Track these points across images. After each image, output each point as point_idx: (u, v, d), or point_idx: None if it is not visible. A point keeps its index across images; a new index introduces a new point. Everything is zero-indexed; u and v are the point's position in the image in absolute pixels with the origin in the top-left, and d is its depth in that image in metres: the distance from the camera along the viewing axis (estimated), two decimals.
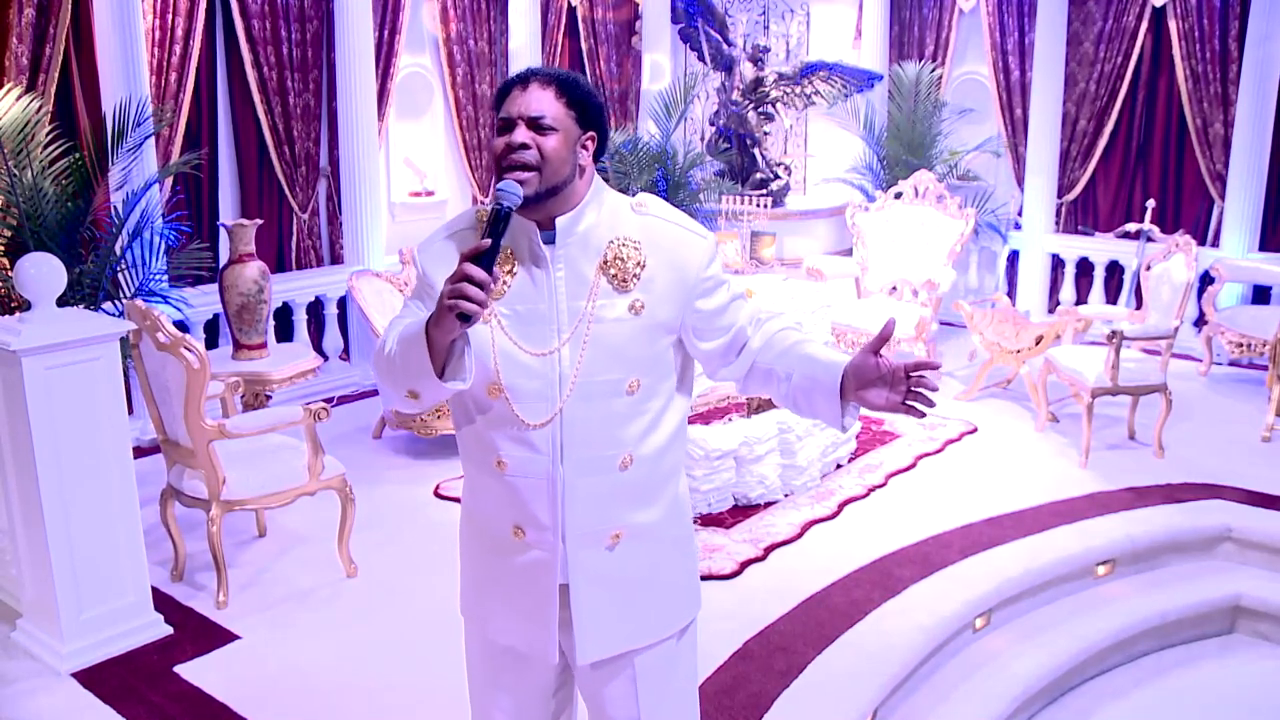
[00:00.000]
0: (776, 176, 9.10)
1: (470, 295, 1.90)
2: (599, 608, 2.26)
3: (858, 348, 7.11)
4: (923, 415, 2.05)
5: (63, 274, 3.85)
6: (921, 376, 2.01)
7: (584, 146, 2.14)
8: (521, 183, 2.05)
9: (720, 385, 5.22)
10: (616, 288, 2.15)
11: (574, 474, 2.17)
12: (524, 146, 2.07)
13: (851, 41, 9.62)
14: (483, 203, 1.93)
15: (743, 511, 5.17)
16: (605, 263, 2.15)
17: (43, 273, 3.81)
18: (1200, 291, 7.64)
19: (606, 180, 2.19)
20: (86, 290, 5.12)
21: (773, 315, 2.30)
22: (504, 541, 2.28)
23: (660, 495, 2.29)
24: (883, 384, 2.05)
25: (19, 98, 5.16)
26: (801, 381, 2.16)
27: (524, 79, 2.13)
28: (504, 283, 2.15)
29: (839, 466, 5.76)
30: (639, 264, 2.17)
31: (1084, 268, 8.63)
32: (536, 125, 2.08)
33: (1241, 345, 7.20)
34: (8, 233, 5.05)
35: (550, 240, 2.14)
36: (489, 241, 1.96)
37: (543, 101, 2.09)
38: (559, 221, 2.14)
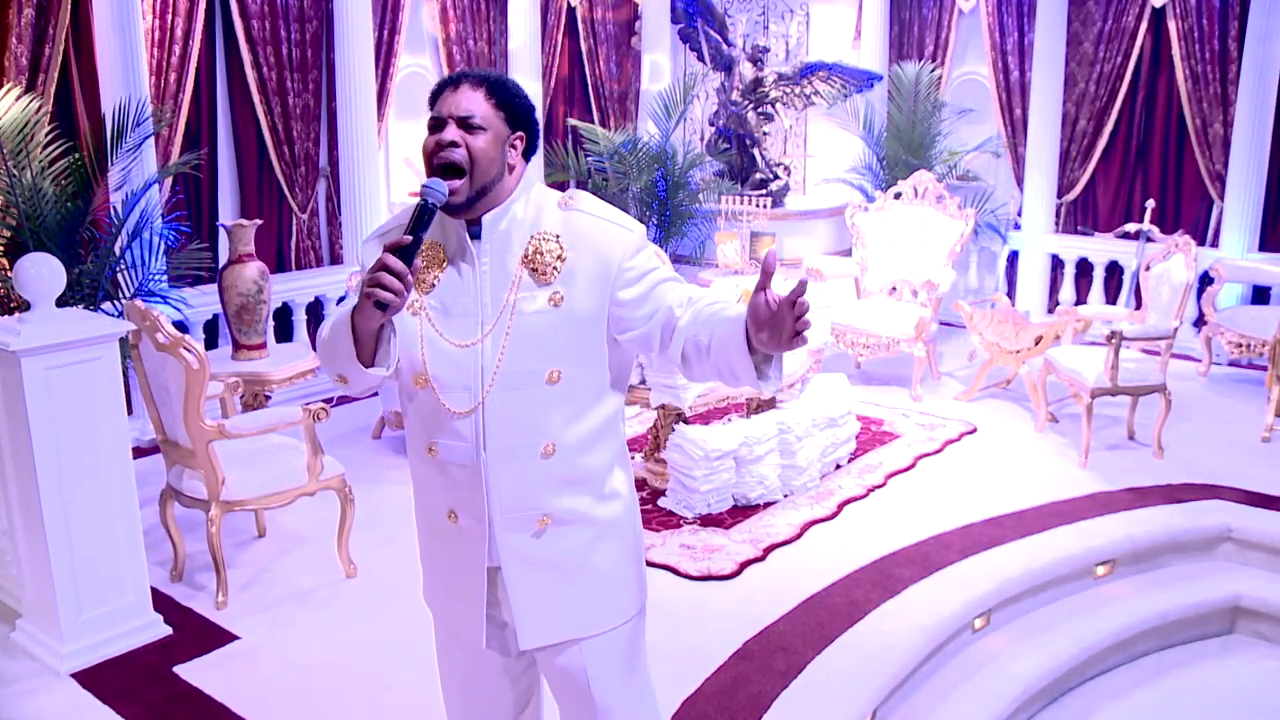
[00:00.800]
0: (776, 177, 9.10)
1: (387, 285, 1.99)
2: (534, 593, 2.32)
3: (858, 348, 7.03)
4: (805, 342, 2.00)
5: (62, 275, 3.85)
6: (803, 302, 1.94)
7: (513, 145, 2.23)
8: (453, 191, 2.13)
9: (718, 386, 5.20)
10: (537, 281, 2.22)
11: (496, 460, 2.24)
12: (453, 145, 2.15)
13: (851, 41, 9.61)
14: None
15: (742, 512, 5.17)
16: (526, 256, 2.23)
17: (42, 273, 3.80)
18: (1200, 292, 7.65)
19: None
20: (86, 290, 5.13)
21: (706, 295, 2.28)
22: (441, 525, 2.36)
23: (589, 484, 2.32)
24: (772, 322, 1.98)
25: (18, 98, 5.17)
26: (716, 345, 2.13)
27: (455, 80, 2.20)
28: (435, 276, 2.25)
29: (838, 467, 5.76)
30: (559, 257, 2.23)
31: (1083, 268, 8.64)
32: (466, 125, 2.16)
33: (1241, 345, 7.20)
34: (7, 233, 5.05)
35: (477, 235, 2.23)
36: (409, 237, 2.05)
37: (473, 102, 2.17)
38: (485, 218, 2.23)
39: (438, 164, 2.15)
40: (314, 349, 2.06)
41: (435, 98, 2.22)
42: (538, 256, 2.22)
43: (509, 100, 2.21)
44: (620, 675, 2.43)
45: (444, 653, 2.55)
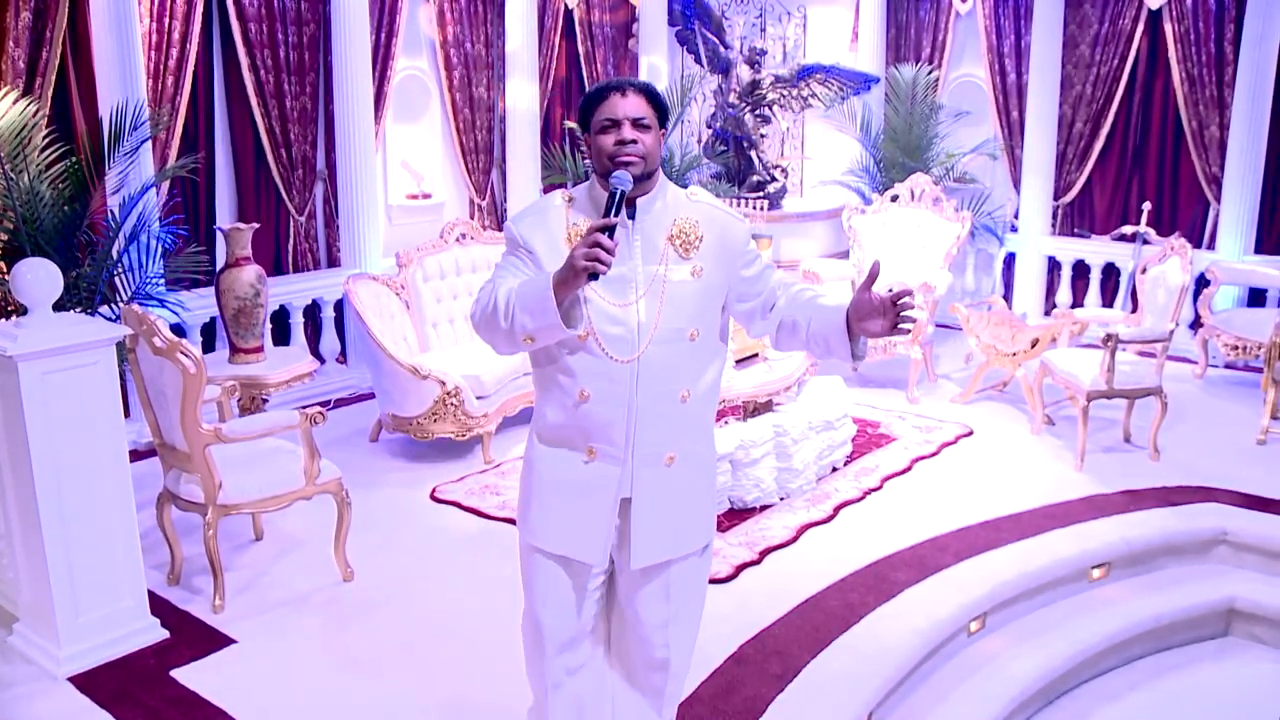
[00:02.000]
0: (773, 179, 9.11)
1: (603, 259, 2.42)
2: (653, 519, 2.77)
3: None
4: (908, 332, 2.59)
5: (59, 280, 3.86)
6: (907, 301, 2.52)
7: (662, 141, 2.71)
8: (635, 175, 2.60)
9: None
10: (681, 255, 2.72)
11: (647, 402, 2.69)
12: (633, 141, 2.62)
13: (848, 44, 9.63)
14: (567, 191, 2.60)
15: (738, 515, 5.18)
16: (672, 236, 2.71)
17: (39, 278, 3.81)
18: (1196, 294, 7.66)
19: (616, 202, 2.60)
20: (83, 294, 5.13)
21: (795, 282, 2.85)
22: (576, 462, 2.75)
23: (704, 427, 2.86)
24: (876, 314, 2.54)
25: (16, 101, 5.17)
26: (817, 326, 2.68)
27: (621, 87, 2.67)
28: None
29: (835, 470, 5.77)
30: (698, 238, 2.73)
31: (1080, 270, 8.65)
32: (639, 124, 2.64)
33: (1237, 348, 7.21)
34: (4, 236, 5.04)
35: (631, 216, 2.67)
36: (616, 218, 2.50)
37: (641, 105, 2.65)
38: (640, 201, 2.69)
39: (621, 158, 2.61)
40: (473, 320, 2.71)
41: (597, 102, 2.67)
42: (683, 235, 2.71)
43: (661, 103, 2.70)
44: (690, 603, 2.95)
45: (545, 577, 2.90)
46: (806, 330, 2.71)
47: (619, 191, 2.56)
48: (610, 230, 2.45)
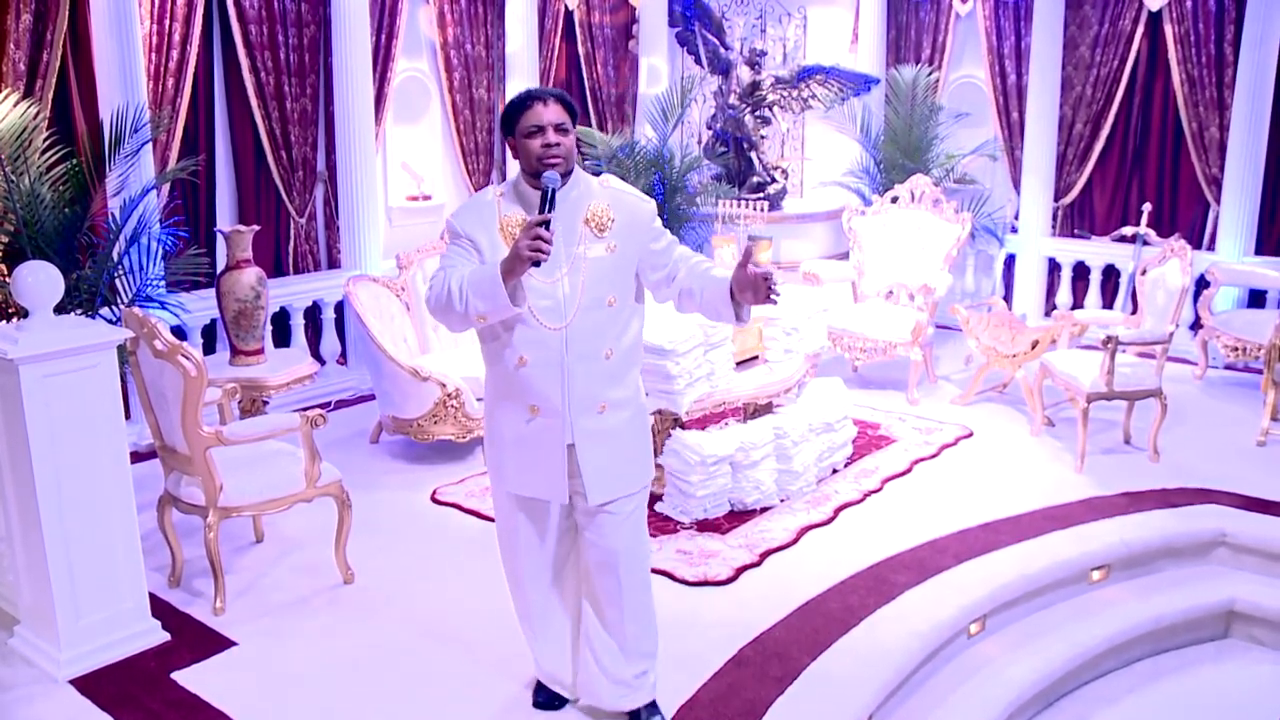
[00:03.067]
0: (773, 180, 9.10)
1: (543, 249, 2.93)
2: (599, 461, 3.26)
3: (854, 352, 7.14)
4: (775, 303, 3.08)
5: (60, 283, 3.86)
6: (769, 276, 3.04)
7: (574, 140, 3.21)
8: (562, 174, 3.12)
9: (714, 393, 5.25)
10: (596, 235, 3.20)
11: (574, 363, 3.18)
12: (557, 144, 3.12)
13: (848, 45, 9.62)
14: (498, 186, 3.35)
15: (738, 517, 5.19)
16: (588, 219, 3.20)
17: (40, 281, 3.81)
18: (1196, 295, 7.66)
19: (548, 199, 3.05)
20: (84, 296, 5.14)
21: (693, 255, 3.32)
22: (523, 421, 3.25)
23: (627, 379, 3.32)
24: (749, 288, 3.06)
25: (16, 103, 5.18)
26: (709, 295, 3.21)
27: (542, 97, 3.14)
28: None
29: (835, 471, 5.77)
30: (610, 219, 3.22)
31: (1080, 271, 8.65)
32: (560, 129, 3.13)
33: (1237, 349, 7.21)
34: (5, 239, 5.06)
35: (552, 206, 3.04)
36: (551, 214, 2.99)
37: (560, 112, 3.14)
38: (559, 193, 3.11)
39: (549, 160, 3.10)
40: (429, 305, 3.19)
41: (520, 111, 3.14)
42: (596, 218, 3.20)
43: (574, 109, 3.21)
44: (638, 527, 3.43)
45: (514, 524, 3.41)
46: (701, 297, 3.24)
47: (550, 190, 3.02)
48: (546, 224, 2.94)
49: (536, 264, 2.94)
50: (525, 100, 3.14)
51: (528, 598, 3.55)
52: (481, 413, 5.89)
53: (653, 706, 3.58)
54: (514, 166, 8.35)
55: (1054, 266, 8.81)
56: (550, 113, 3.12)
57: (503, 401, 3.29)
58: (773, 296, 3.05)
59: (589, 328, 3.18)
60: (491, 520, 5.19)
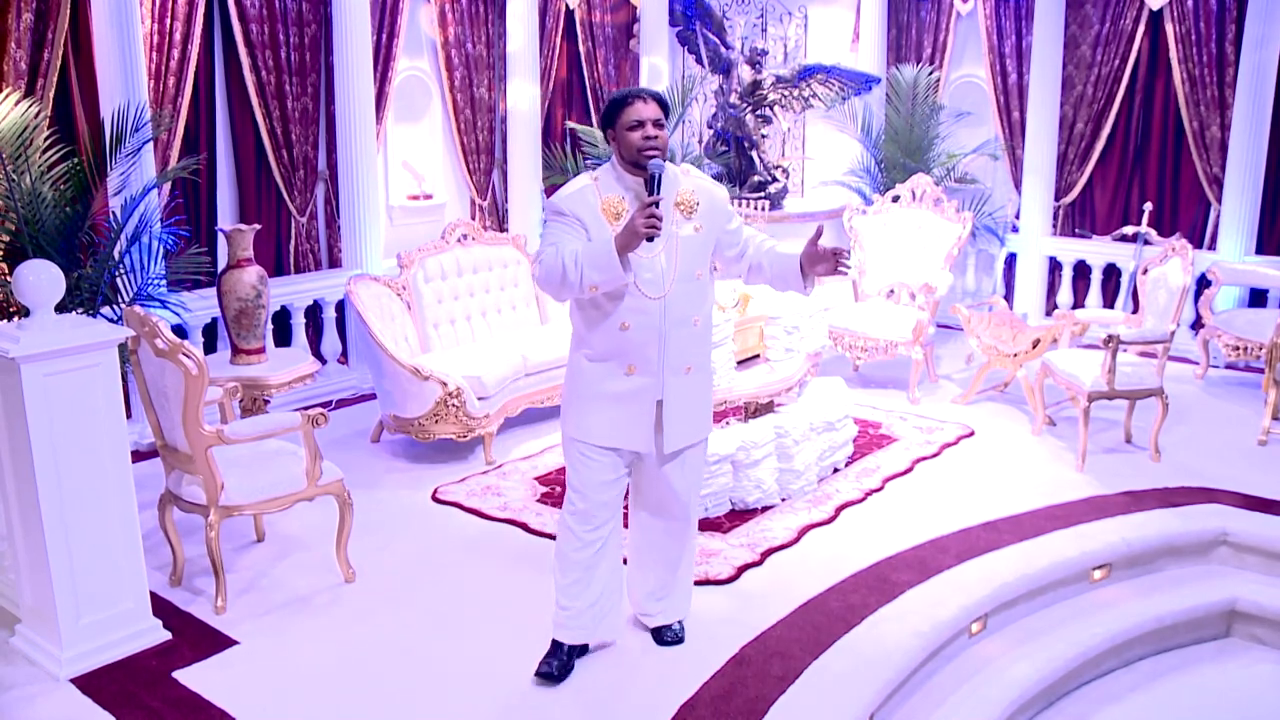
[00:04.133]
0: (774, 179, 9.10)
1: (657, 225, 3.40)
2: (679, 415, 3.74)
3: (855, 352, 7.19)
4: (846, 271, 3.60)
5: (61, 282, 3.86)
6: (843, 251, 3.57)
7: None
8: (660, 161, 3.56)
9: (716, 391, 5.23)
10: (685, 216, 3.68)
11: (671, 328, 3.64)
12: (656, 137, 3.57)
13: (849, 44, 9.63)
14: (595, 178, 3.80)
15: (740, 516, 5.19)
16: (678, 203, 3.66)
17: (41, 280, 3.81)
18: (1197, 294, 7.66)
19: (655, 183, 3.52)
20: (85, 295, 5.14)
21: (758, 234, 3.85)
22: (620, 378, 3.66)
23: (708, 343, 3.85)
24: (822, 261, 3.57)
25: (17, 102, 5.17)
26: (778, 269, 3.74)
27: (642, 95, 3.63)
28: (626, 215, 3.60)
29: (836, 471, 5.77)
30: (696, 203, 3.70)
31: (1081, 271, 8.65)
32: (658, 124, 3.60)
33: (1238, 348, 7.21)
34: (6, 237, 5.05)
35: (649, 189, 3.52)
36: (660, 196, 3.47)
37: (657, 110, 3.61)
38: (657, 180, 3.54)
39: (650, 150, 3.56)
40: (537, 280, 3.67)
41: (622, 106, 3.60)
42: (685, 202, 3.67)
43: (667, 108, 3.67)
44: (699, 471, 4.00)
45: (592, 466, 3.76)
46: (770, 270, 3.75)
47: (656, 175, 3.50)
48: (656, 204, 3.40)
49: (650, 239, 3.41)
50: (627, 97, 3.60)
51: (589, 548, 3.83)
52: (482, 411, 5.94)
53: (681, 622, 4.17)
54: (514, 166, 8.39)
55: (1055, 266, 8.81)
56: (649, 110, 3.58)
57: (599, 362, 3.67)
58: (842, 268, 3.55)
59: (682, 297, 3.63)
60: (492, 519, 5.24)
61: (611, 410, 3.68)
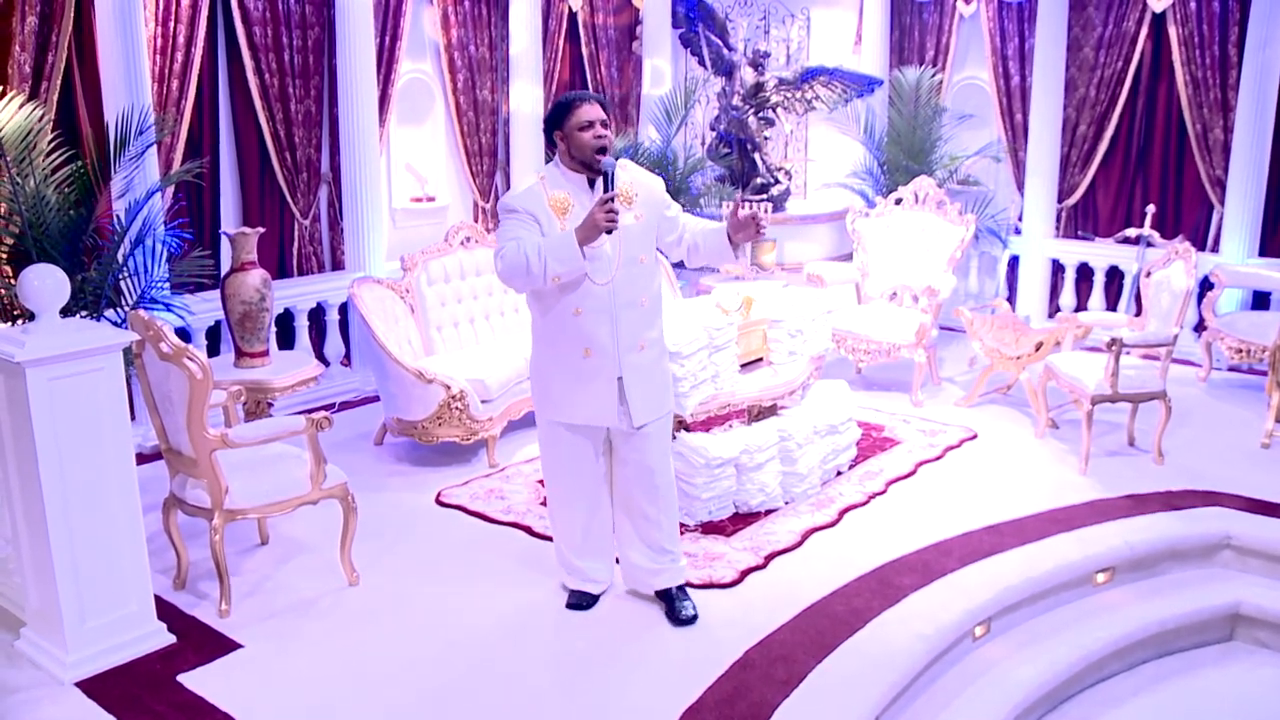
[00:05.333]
0: (777, 181, 9.11)
1: (615, 220, 3.73)
2: (641, 390, 4.02)
3: (858, 354, 7.22)
4: (764, 231, 3.98)
5: (66, 286, 3.86)
6: (758, 215, 3.94)
7: None
8: (611, 159, 3.85)
9: (719, 395, 5.24)
10: (627, 206, 3.93)
11: (620, 310, 3.94)
12: (605, 135, 3.89)
13: (852, 46, 9.63)
14: (541, 177, 4.12)
15: (743, 519, 5.19)
16: (619, 195, 3.83)
17: (47, 285, 3.81)
18: (1200, 296, 7.65)
19: (610, 179, 3.81)
20: (89, 298, 5.14)
21: (695, 218, 4.25)
22: (577, 359, 3.97)
23: (656, 322, 4.13)
24: (743, 227, 3.96)
25: (21, 105, 5.17)
26: (709, 244, 4.12)
27: (588, 98, 3.93)
28: (571, 209, 3.94)
29: (839, 474, 5.77)
30: (635, 194, 4.01)
31: (1084, 273, 8.65)
32: (605, 124, 3.91)
33: (1241, 351, 7.21)
34: (10, 241, 5.06)
35: (592, 185, 3.97)
36: (614, 192, 3.77)
37: (602, 111, 3.93)
38: (598, 179, 3.92)
39: (603, 148, 3.88)
40: (499, 273, 3.93)
41: (570, 109, 3.89)
42: (624, 193, 3.92)
43: (607, 107, 3.99)
44: (666, 445, 4.25)
45: (563, 451, 4.16)
46: (704, 246, 4.13)
47: (610, 173, 3.79)
48: (612, 199, 3.72)
49: (609, 232, 3.73)
50: (574, 100, 3.91)
51: (574, 513, 4.27)
52: (486, 414, 5.94)
53: (683, 589, 4.35)
54: (517, 168, 8.39)
55: (1057, 268, 8.80)
56: (597, 111, 3.90)
57: (557, 346, 4.00)
58: (761, 230, 3.93)
59: (627, 281, 3.93)
60: (496, 523, 5.24)
61: (576, 390, 4.01)
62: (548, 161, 8.94)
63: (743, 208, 3.82)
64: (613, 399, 3.99)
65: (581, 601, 4.38)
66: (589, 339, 3.93)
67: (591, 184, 3.96)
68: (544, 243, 3.78)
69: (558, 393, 4.06)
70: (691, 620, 4.24)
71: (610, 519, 4.35)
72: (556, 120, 3.94)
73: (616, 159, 3.91)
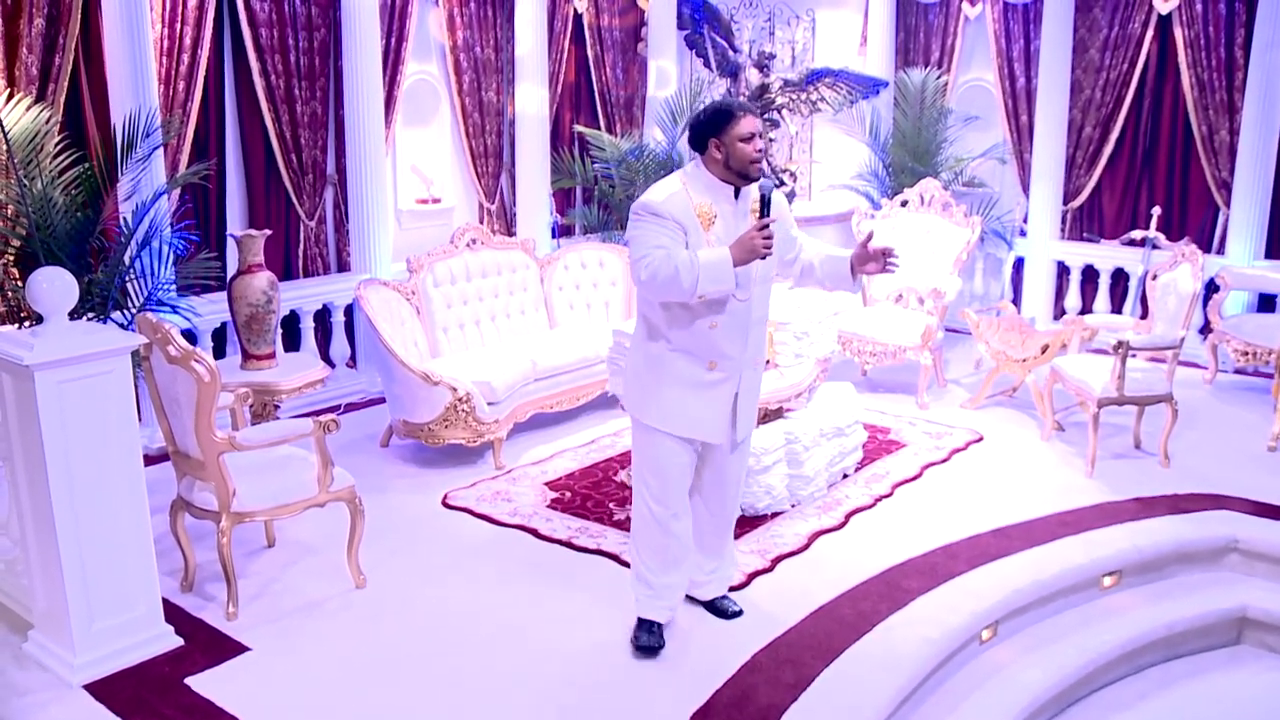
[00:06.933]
0: (782, 183, 9.10)
1: (771, 248, 3.67)
2: (748, 405, 4.05)
3: (864, 356, 7.25)
4: (894, 269, 3.96)
5: (74, 289, 3.86)
6: (890, 251, 3.91)
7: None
8: (770, 181, 3.78)
9: None
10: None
11: (753, 326, 3.91)
12: (763, 150, 3.82)
13: (857, 48, 9.63)
14: (679, 177, 3.98)
15: (750, 522, 5.18)
16: (753, 209, 3.78)
17: (55, 288, 3.82)
18: (1206, 299, 7.64)
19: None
20: (96, 300, 5.14)
21: (808, 238, 4.19)
22: (700, 372, 3.89)
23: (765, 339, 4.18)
24: (871, 260, 3.91)
25: (29, 108, 5.19)
26: (828, 269, 4.08)
27: (749, 110, 3.83)
28: (716, 222, 3.83)
29: (846, 476, 5.77)
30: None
31: (1089, 275, 8.64)
32: (763, 137, 3.81)
33: (1247, 353, 7.20)
34: (18, 242, 5.07)
35: (737, 196, 3.88)
36: (772, 218, 3.70)
37: (759, 123, 3.82)
38: (741, 189, 3.88)
39: (758, 160, 3.79)
40: (641, 280, 3.75)
41: (729, 118, 3.76)
42: (760, 208, 3.74)
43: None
44: (747, 453, 4.33)
45: (664, 454, 3.98)
46: (821, 270, 4.08)
47: (767, 196, 3.69)
48: (768, 224, 3.65)
49: (763, 258, 3.67)
50: (735, 109, 3.79)
51: (672, 527, 4.06)
52: (492, 416, 5.94)
53: (726, 594, 4.43)
54: (523, 170, 8.39)
55: (1063, 270, 8.79)
56: (758, 123, 3.79)
57: (682, 356, 3.87)
58: (890, 267, 3.88)
59: (761, 298, 3.91)
60: (502, 525, 5.24)
61: (692, 403, 3.90)
62: (554, 168, 8.98)
63: (872, 240, 3.80)
64: (727, 413, 3.94)
65: (653, 643, 4.08)
66: (718, 352, 3.85)
67: (736, 194, 3.85)
68: (696, 260, 3.63)
69: (672, 403, 3.90)
70: (738, 614, 4.34)
71: (692, 529, 4.22)
72: (716, 127, 3.77)
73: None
